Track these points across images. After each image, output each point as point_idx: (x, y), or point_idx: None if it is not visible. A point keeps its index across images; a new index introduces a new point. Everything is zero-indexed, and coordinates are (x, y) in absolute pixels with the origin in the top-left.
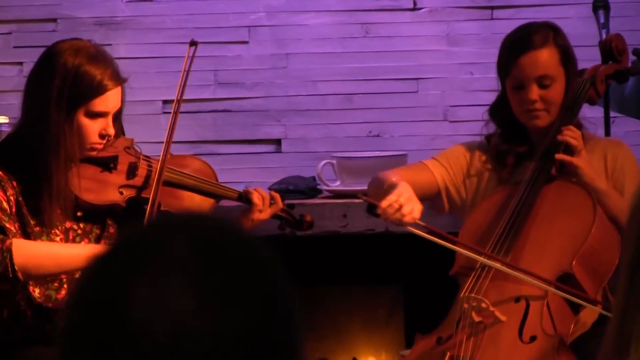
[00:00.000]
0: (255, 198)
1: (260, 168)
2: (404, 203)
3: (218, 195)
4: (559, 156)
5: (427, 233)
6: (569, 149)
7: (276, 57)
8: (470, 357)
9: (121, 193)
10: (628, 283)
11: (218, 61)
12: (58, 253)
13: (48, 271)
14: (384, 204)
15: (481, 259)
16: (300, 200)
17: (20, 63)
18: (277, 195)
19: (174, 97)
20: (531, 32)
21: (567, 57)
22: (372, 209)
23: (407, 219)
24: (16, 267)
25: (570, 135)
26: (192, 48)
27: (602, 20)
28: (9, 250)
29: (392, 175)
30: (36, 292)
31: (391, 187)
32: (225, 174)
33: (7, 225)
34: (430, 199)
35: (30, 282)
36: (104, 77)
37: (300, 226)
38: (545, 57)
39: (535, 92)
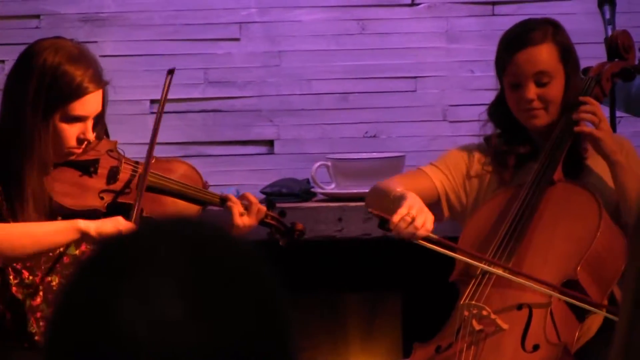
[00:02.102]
0: (230, 202)
1: (251, 170)
2: (416, 215)
3: (203, 201)
4: (579, 128)
5: (440, 246)
6: (590, 120)
7: (268, 55)
8: None
9: (101, 198)
10: (635, 292)
11: (208, 59)
12: (33, 231)
13: (25, 251)
14: (396, 218)
15: (489, 268)
16: (293, 203)
17: (2, 61)
18: (254, 200)
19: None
20: (529, 28)
21: (567, 54)
22: (383, 224)
23: (421, 232)
24: None
25: (585, 110)
26: (169, 77)
27: (607, 16)
28: None
29: (394, 185)
30: (19, 294)
31: (399, 199)
32: (216, 177)
33: None
34: (429, 206)
35: (13, 283)
36: (84, 78)
37: (291, 235)
38: (543, 54)
39: (532, 91)
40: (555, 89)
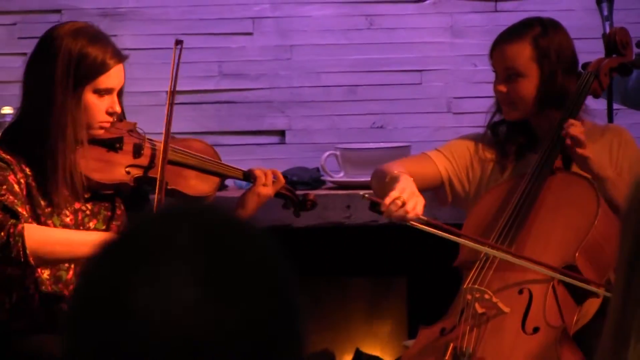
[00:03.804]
0: (258, 172)
1: (264, 159)
2: (407, 199)
3: (222, 174)
4: (571, 150)
5: (429, 226)
6: (575, 142)
7: (280, 49)
8: (473, 349)
9: (128, 172)
10: (626, 277)
11: (222, 52)
12: (70, 239)
13: (60, 257)
14: (387, 200)
15: (484, 248)
16: (304, 191)
17: (25, 54)
18: (277, 172)
19: (178, 89)
20: (514, 26)
21: (545, 56)
22: (375, 207)
23: (411, 215)
24: (28, 252)
25: (576, 130)
26: (178, 47)
27: (605, 13)
28: (21, 235)
29: (395, 167)
30: (45, 274)
31: (393, 182)
32: None
33: (20, 209)
34: (432, 190)
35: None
36: (106, 55)
37: (304, 205)
38: (514, 51)
39: (501, 84)
40: (524, 87)
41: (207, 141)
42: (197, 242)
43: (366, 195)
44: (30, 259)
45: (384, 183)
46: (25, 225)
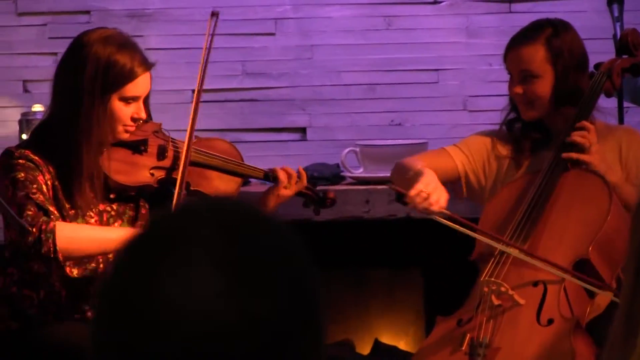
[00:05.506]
0: (281, 175)
1: (285, 155)
2: (431, 192)
3: (244, 174)
4: (566, 155)
5: (452, 221)
6: (580, 147)
7: (301, 48)
8: (489, 339)
9: (152, 174)
10: (636, 268)
11: (245, 52)
12: (99, 236)
13: (88, 253)
14: (412, 192)
15: (502, 247)
16: (324, 186)
17: (55, 53)
18: (303, 172)
19: (203, 87)
20: (527, 29)
21: (558, 56)
22: (400, 198)
23: (435, 207)
24: (58, 249)
25: (579, 135)
26: (214, 19)
27: (616, 14)
28: (52, 232)
29: (416, 162)
30: (74, 272)
31: (417, 175)
32: (252, 161)
33: (50, 207)
34: (449, 184)
35: (68, 264)
36: (134, 64)
37: (324, 203)
38: (528, 54)
39: (517, 86)
40: (541, 88)
41: (231, 138)
42: (220, 235)
43: (392, 186)
44: (59, 255)
45: (407, 177)
46: (57, 223)
